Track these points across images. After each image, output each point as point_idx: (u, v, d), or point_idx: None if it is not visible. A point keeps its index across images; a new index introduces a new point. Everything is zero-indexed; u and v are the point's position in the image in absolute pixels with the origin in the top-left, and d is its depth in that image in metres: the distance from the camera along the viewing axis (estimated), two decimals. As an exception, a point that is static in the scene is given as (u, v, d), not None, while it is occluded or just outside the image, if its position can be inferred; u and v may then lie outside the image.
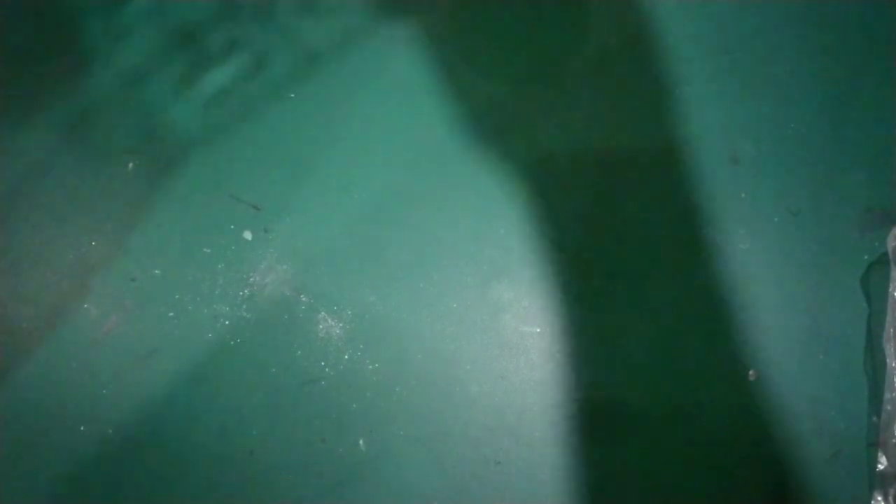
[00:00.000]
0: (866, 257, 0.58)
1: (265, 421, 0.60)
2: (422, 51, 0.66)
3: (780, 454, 0.56)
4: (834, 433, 0.56)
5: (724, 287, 0.59)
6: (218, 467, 0.60)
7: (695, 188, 0.61)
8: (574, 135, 0.63)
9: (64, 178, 0.65)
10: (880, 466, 0.54)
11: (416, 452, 0.59)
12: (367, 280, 0.61)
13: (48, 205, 0.65)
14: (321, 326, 0.61)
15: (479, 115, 0.64)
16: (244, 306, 0.62)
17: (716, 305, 0.59)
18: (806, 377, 0.57)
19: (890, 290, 0.54)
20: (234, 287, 0.62)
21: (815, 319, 0.58)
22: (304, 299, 0.62)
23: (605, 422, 0.58)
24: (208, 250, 0.63)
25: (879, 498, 0.54)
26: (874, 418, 0.55)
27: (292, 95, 0.66)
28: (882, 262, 0.57)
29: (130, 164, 0.65)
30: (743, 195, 0.60)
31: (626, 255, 0.60)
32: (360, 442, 0.59)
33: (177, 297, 0.62)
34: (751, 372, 0.58)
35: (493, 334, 0.60)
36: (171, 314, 0.62)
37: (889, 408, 0.53)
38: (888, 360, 0.53)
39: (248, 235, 0.63)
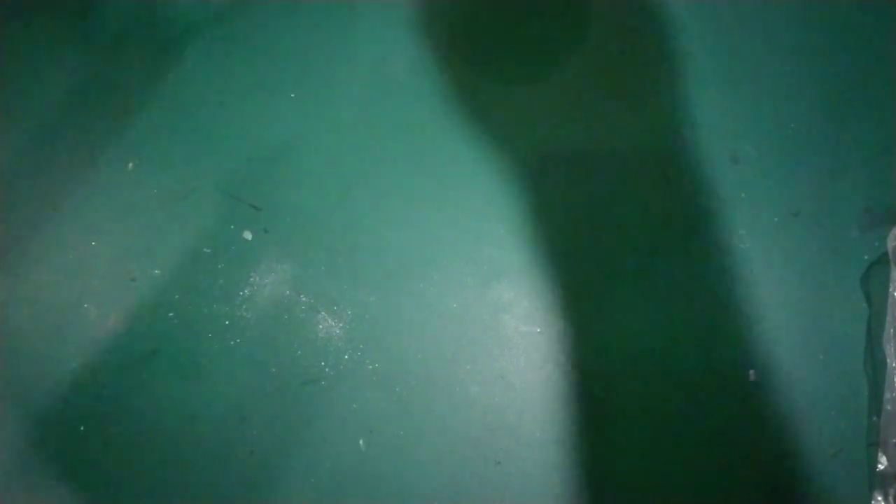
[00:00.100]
0: (866, 257, 0.58)
1: (265, 421, 0.60)
2: (422, 51, 0.66)
3: (780, 454, 0.56)
4: (834, 433, 0.56)
5: (724, 287, 0.59)
6: (218, 467, 0.60)
7: (695, 188, 0.61)
8: (574, 134, 0.63)
9: (64, 177, 0.65)
10: (880, 466, 0.54)
11: (416, 452, 0.59)
12: (367, 280, 0.62)
13: (48, 205, 0.65)
14: (321, 326, 0.61)
15: (480, 115, 0.64)
16: (244, 306, 0.62)
17: (716, 305, 0.59)
18: (806, 377, 0.57)
19: (890, 290, 0.54)
20: (234, 287, 0.62)
21: (815, 319, 0.58)
22: (304, 299, 0.62)
23: (605, 422, 0.58)
24: (208, 250, 0.63)
25: (879, 498, 0.54)
26: (874, 418, 0.55)
27: (292, 95, 0.66)
28: (882, 262, 0.57)
29: (130, 165, 0.65)
30: (743, 195, 0.60)
31: (626, 255, 0.60)
32: (360, 442, 0.59)
33: (177, 297, 0.62)
34: (751, 372, 0.58)
35: (493, 334, 0.60)
36: (171, 314, 0.62)
37: (889, 408, 0.53)
38: (888, 360, 0.53)
39: (248, 235, 0.63)
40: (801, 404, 0.57)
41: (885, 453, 0.54)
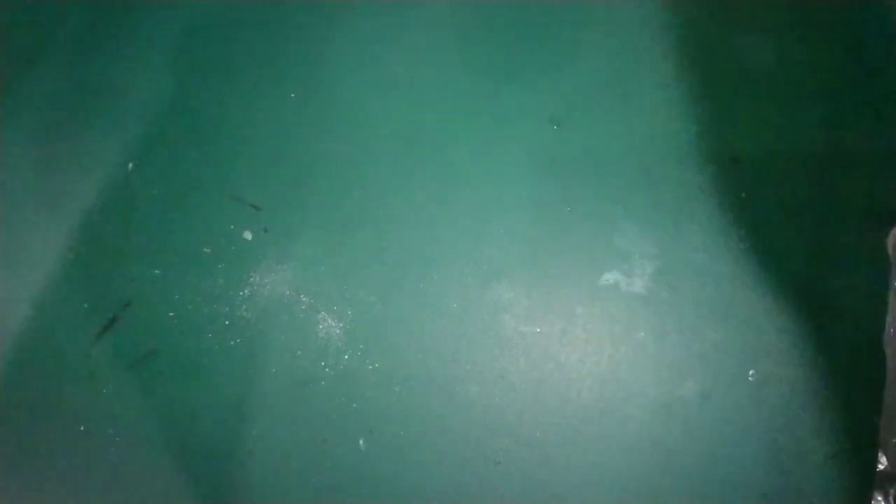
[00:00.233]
0: (866, 257, 0.58)
1: (265, 421, 0.60)
2: (422, 51, 0.66)
3: (780, 454, 0.56)
4: (834, 433, 0.56)
5: (724, 287, 0.59)
6: (218, 467, 0.60)
7: (695, 188, 0.61)
8: (574, 134, 0.63)
9: (64, 177, 0.65)
10: (880, 466, 0.54)
11: (416, 452, 0.59)
12: (367, 280, 0.62)
13: (48, 205, 0.65)
14: (321, 326, 0.61)
15: (480, 115, 0.64)
16: (244, 306, 0.62)
17: (716, 305, 0.59)
18: (806, 377, 0.57)
19: (890, 289, 0.54)
20: (234, 287, 0.62)
21: (815, 319, 0.58)
22: (304, 299, 0.62)
23: (607, 421, 0.58)
24: (208, 250, 0.63)
25: (879, 498, 0.54)
26: (874, 418, 0.55)
27: (292, 95, 0.66)
28: (882, 262, 0.57)
29: (130, 165, 0.65)
30: (743, 195, 0.60)
31: (625, 256, 0.61)
32: (360, 442, 0.59)
33: (177, 297, 0.62)
34: (751, 372, 0.58)
35: (493, 334, 0.60)
36: (171, 314, 0.62)
37: (889, 408, 0.53)
38: (888, 360, 0.53)
39: (248, 235, 0.63)
40: (801, 404, 0.57)
41: (885, 453, 0.54)
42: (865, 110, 0.61)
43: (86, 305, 0.63)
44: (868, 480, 0.55)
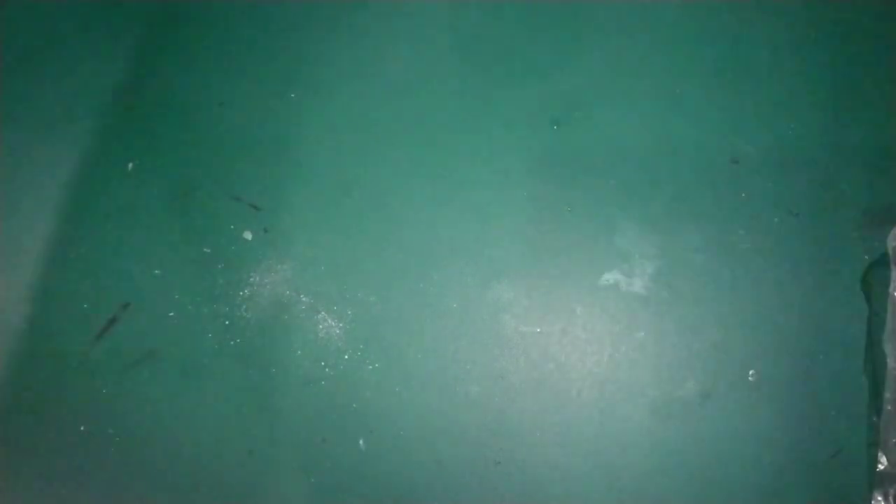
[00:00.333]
0: (866, 257, 0.58)
1: (265, 421, 0.60)
2: (422, 51, 0.66)
3: (780, 454, 0.56)
4: (834, 433, 0.56)
5: (724, 287, 0.59)
6: (218, 467, 0.60)
7: (694, 188, 0.61)
8: (574, 134, 0.63)
9: (64, 178, 0.65)
10: (880, 466, 0.54)
11: (416, 452, 0.59)
12: (367, 280, 0.62)
13: (48, 205, 0.65)
14: (321, 326, 0.61)
15: (480, 115, 0.64)
16: (244, 306, 0.62)
17: (716, 305, 0.59)
18: (806, 377, 0.57)
19: (890, 290, 0.54)
20: (234, 287, 0.62)
21: (815, 319, 0.58)
22: (304, 299, 0.62)
23: (605, 424, 0.58)
24: (208, 250, 0.63)
25: (879, 498, 0.54)
26: (874, 418, 0.55)
27: (292, 95, 0.66)
28: (882, 262, 0.57)
29: (130, 165, 0.65)
30: (743, 195, 0.60)
31: (626, 255, 0.61)
32: (360, 442, 0.59)
33: (177, 297, 0.62)
34: (751, 372, 0.58)
35: (493, 334, 0.60)
36: (171, 314, 0.62)
37: (889, 408, 0.53)
38: (888, 360, 0.53)
39: (248, 235, 0.63)
40: (801, 404, 0.57)
41: (885, 453, 0.54)
42: (865, 110, 0.61)
43: (86, 305, 0.63)
44: (868, 480, 0.55)
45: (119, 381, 0.61)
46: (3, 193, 0.65)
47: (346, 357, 0.60)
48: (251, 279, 0.62)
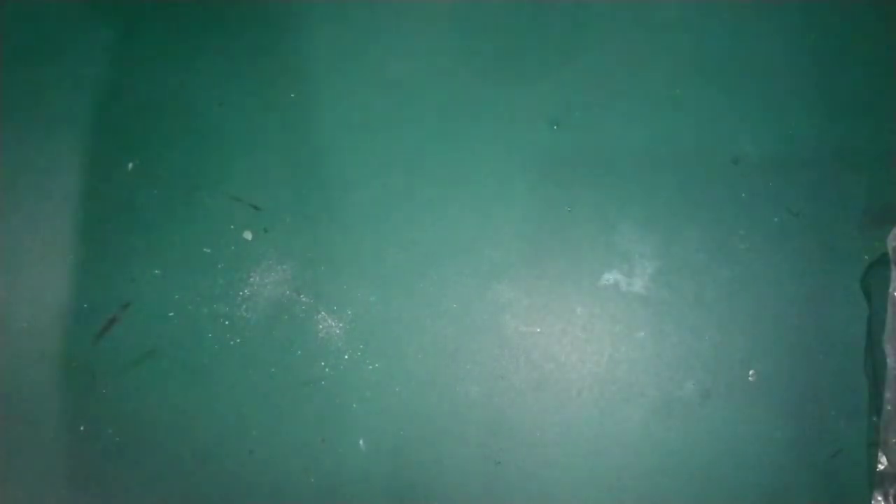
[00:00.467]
0: (866, 257, 0.58)
1: (265, 421, 0.60)
2: (422, 51, 0.66)
3: (780, 454, 0.56)
4: (834, 433, 0.56)
5: (724, 287, 0.59)
6: (218, 467, 0.60)
7: (694, 188, 0.61)
8: (574, 135, 0.63)
9: (64, 177, 0.65)
10: (880, 466, 0.54)
11: (416, 452, 0.59)
12: (367, 280, 0.62)
13: (48, 205, 0.65)
14: (321, 326, 0.61)
15: (479, 115, 0.64)
16: (244, 306, 0.62)
17: (716, 305, 0.59)
18: (806, 377, 0.57)
19: (890, 290, 0.54)
20: (234, 287, 0.62)
21: (815, 319, 0.58)
22: (304, 299, 0.62)
23: (606, 424, 0.58)
24: (208, 250, 0.63)
25: (879, 498, 0.54)
26: (874, 418, 0.55)
27: (292, 95, 0.66)
28: (882, 262, 0.57)
29: (130, 165, 0.65)
30: (743, 195, 0.60)
31: (625, 256, 0.61)
32: (360, 442, 0.59)
33: (177, 297, 0.62)
34: (751, 372, 0.58)
35: (493, 334, 0.60)
36: (171, 314, 0.62)
37: (889, 408, 0.53)
38: (888, 360, 0.53)
39: (248, 235, 0.63)
40: (801, 404, 0.57)
41: (885, 453, 0.54)
42: (865, 110, 0.61)
43: (86, 305, 0.63)
44: (868, 480, 0.55)
45: (119, 381, 0.61)
46: (3, 193, 0.65)
47: (346, 357, 0.60)
48: (251, 279, 0.62)
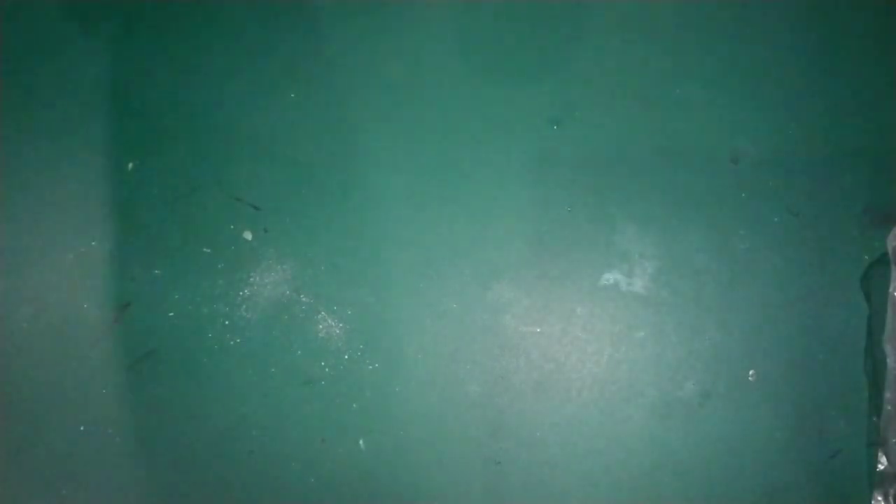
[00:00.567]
0: (866, 257, 0.58)
1: (265, 421, 0.60)
2: (422, 51, 0.66)
3: (780, 454, 0.56)
4: (834, 433, 0.56)
5: (724, 287, 0.59)
6: (218, 467, 0.60)
7: (695, 188, 0.61)
8: (574, 135, 0.63)
9: (64, 177, 0.65)
10: (880, 466, 0.54)
11: (416, 452, 0.59)
12: (367, 280, 0.62)
13: (48, 205, 0.65)
14: (321, 326, 0.61)
15: (479, 115, 0.64)
16: (244, 306, 0.62)
17: (716, 305, 0.59)
18: (806, 377, 0.57)
19: (890, 290, 0.54)
20: (234, 287, 0.62)
21: (815, 319, 0.58)
22: (304, 299, 0.62)
23: (606, 426, 0.58)
24: (208, 250, 0.63)
25: (879, 498, 0.54)
26: (874, 418, 0.55)
27: (292, 95, 0.66)
28: (882, 262, 0.57)
29: (130, 165, 0.65)
30: (743, 195, 0.60)
31: (626, 256, 0.61)
32: (360, 442, 0.59)
33: (177, 297, 0.62)
34: (751, 372, 0.58)
35: (493, 334, 0.60)
36: (171, 314, 0.62)
37: (889, 408, 0.53)
38: (888, 360, 0.53)
39: (248, 235, 0.63)
40: (801, 404, 0.57)
41: (885, 453, 0.54)
42: (865, 110, 0.61)
43: (86, 305, 0.63)
44: (868, 480, 0.55)
45: (119, 381, 0.61)
46: (3, 193, 0.65)
47: (346, 357, 0.60)
48: (251, 279, 0.62)
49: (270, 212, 0.63)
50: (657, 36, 0.64)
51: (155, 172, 0.65)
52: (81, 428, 0.61)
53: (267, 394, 0.60)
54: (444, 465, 0.58)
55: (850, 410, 0.56)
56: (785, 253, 0.59)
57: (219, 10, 0.68)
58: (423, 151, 0.64)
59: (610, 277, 0.60)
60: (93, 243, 0.64)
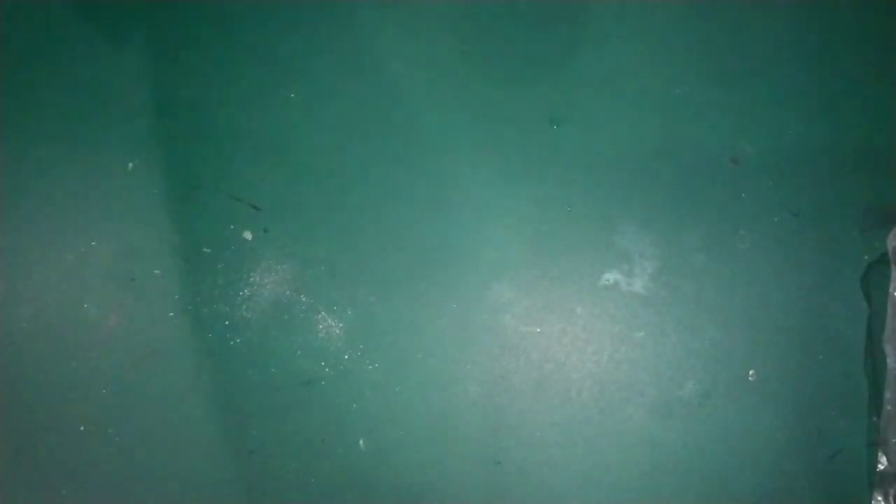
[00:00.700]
0: (866, 257, 0.58)
1: (265, 421, 0.60)
2: (422, 52, 0.66)
3: (780, 454, 0.56)
4: (834, 433, 0.56)
5: (724, 287, 0.59)
6: (218, 467, 0.60)
7: (695, 188, 0.61)
8: (573, 134, 0.63)
9: (64, 178, 0.65)
10: (880, 466, 0.54)
11: (416, 452, 0.59)
12: (367, 280, 0.62)
13: (48, 205, 0.65)
14: (321, 326, 0.61)
15: (479, 115, 0.64)
16: (244, 306, 0.62)
17: (716, 305, 0.59)
18: (806, 377, 0.57)
19: (890, 290, 0.54)
20: (234, 287, 0.62)
21: (815, 319, 0.58)
22: (304, 299, 0.62)
23: (607, 424, 0.58)
24: (208, 250, 0.63)
25: (879, 498, 0.54)
26: (874, 418, 0.55)
27: (292, 95, 0.66)
28: (882, 262, 0.57)
29: (130, 165, 0.65)
30: (743, 195, 0.60)
31: (626, 256, 0.61)
32: (360, 442, 0.59)
33: (177, 297, 0.62)
34: (751, 372, 0.58)
35: (493, 334, 0.60)
36: (171, 314, 0.62)
37: (889, 408, 0.53)
38: (888, 360, 0.53)
39: (248, 235, 0.63)
40: (801, 404, 0.57)
41: (885, 453, 0.54)
42: (865, 110, 0.61)
43: (86, 305, 0.63)
44: (868, 480, 0.55)
45: (119, 381, 0.61)
46: (3, 193, 0.65)
47: (346, 357, 0.60)
48: (251, 279, 0.62)
49: (270, 212, 0.63)
50: (657, 36, 0.64)
51: (155, 172, 0.65)
52: (81, 428, 0.61)
53: (267, 394, 0.60)
54: (444, 465, 0.58)
55: (850, 410, 0.56)
56: (785, 253, 0.59)
57: (219, 10, 0.68)
58: (422, 151, 0.64)
59: (610, 277, 0.60)
60: (93, 243, 0.64)
